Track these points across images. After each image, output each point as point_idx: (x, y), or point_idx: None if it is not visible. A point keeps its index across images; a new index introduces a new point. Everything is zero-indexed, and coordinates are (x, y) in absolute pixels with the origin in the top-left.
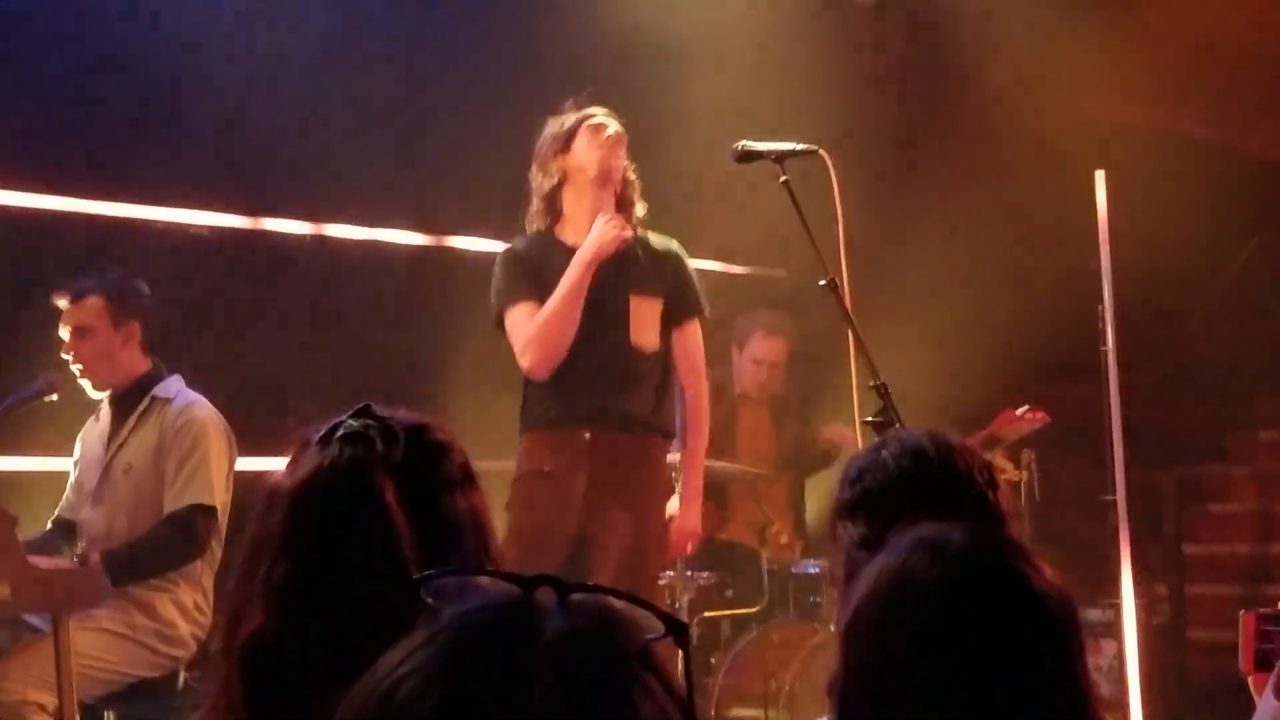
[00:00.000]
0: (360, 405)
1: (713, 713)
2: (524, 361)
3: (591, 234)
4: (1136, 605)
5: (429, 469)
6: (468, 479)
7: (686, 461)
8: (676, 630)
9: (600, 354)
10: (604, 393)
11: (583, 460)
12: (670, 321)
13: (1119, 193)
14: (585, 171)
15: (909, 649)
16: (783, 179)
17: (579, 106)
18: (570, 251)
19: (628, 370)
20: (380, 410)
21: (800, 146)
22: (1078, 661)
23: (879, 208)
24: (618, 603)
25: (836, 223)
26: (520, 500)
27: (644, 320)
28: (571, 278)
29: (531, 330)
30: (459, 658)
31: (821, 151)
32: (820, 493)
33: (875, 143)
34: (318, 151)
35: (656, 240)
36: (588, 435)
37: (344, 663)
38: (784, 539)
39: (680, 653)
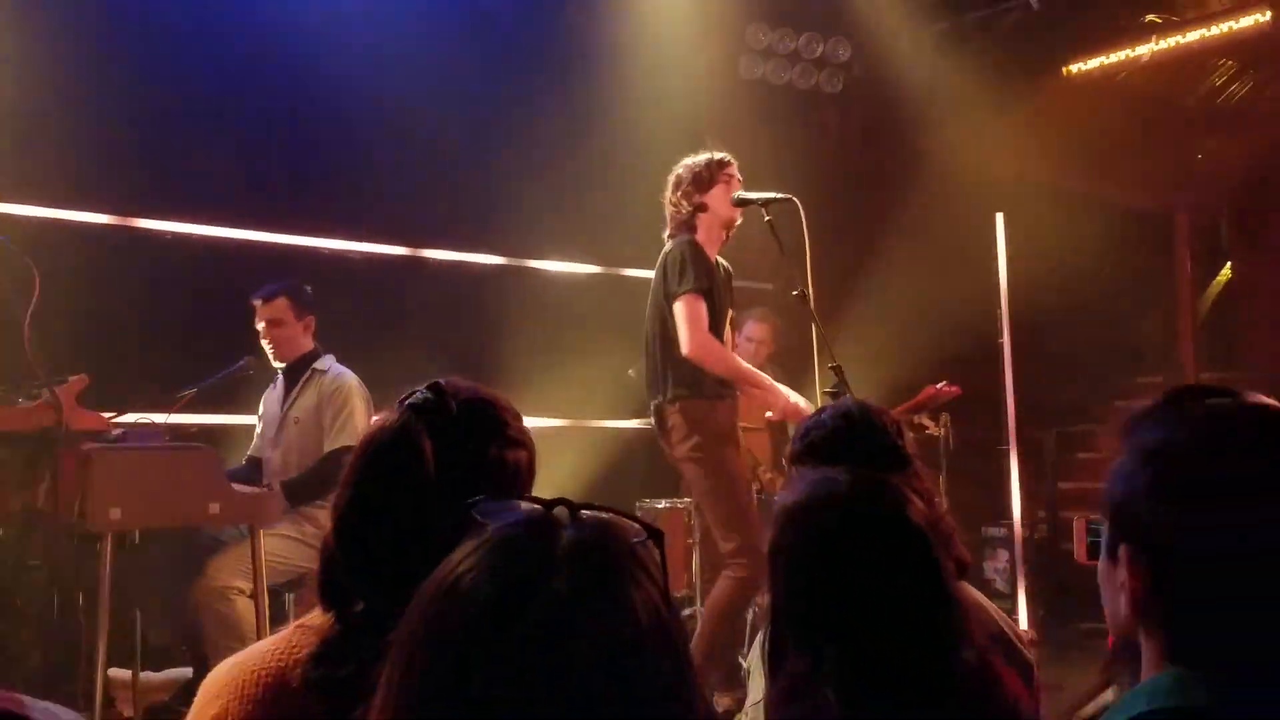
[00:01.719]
0: (434, 380)
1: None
2: (690, 350)
3: (793, 403)
4: (1023, 525)
5: (477, 429)
6: (513, 440)
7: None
8: (655, 535)
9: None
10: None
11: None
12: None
13: (1014, 228)
14: (718, 215)
15: (811, 567)
16: (767, 219)
17: (713, 147)
18: (710, 261)
19: None
20: (449, 384)
21: (780, 196)
22: (940, 573)
23: (837, 239)
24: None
25: (805, 250)
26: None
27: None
28: (756, 384)
29: (714, 345)
30: (502, 557)
31: (795, 199)
32: None
33: (835, 193)
34: (454, 192)
35: (725, 264)
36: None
37: (375, 564)
38: (768, 475)
39: (658, 551)
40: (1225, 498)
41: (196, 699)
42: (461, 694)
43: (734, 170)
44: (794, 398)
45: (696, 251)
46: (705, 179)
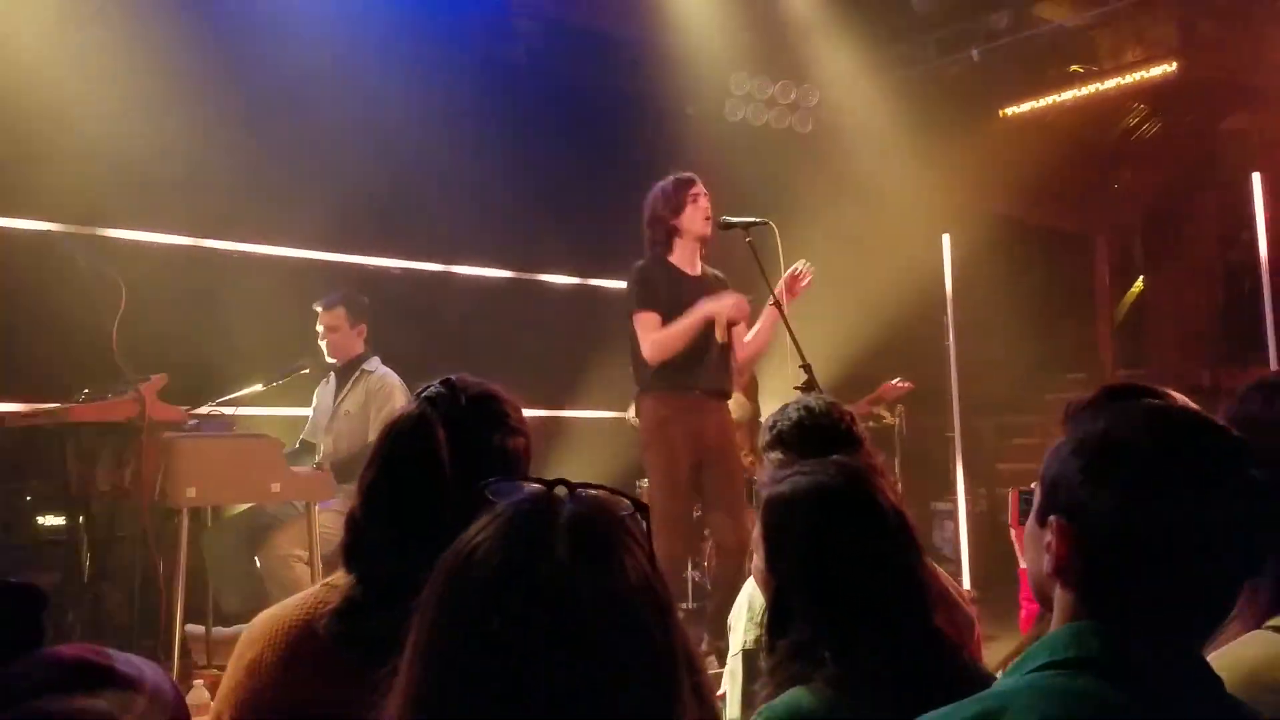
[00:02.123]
0: (445, 377)
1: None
2: (646, 354)
3: (719, 302)
4: (966, 500)
5: (483, 420)
6: (513, 430)
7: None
8: (640, 509)
9: (702, 349)
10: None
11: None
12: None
13: (958, 247)
14: (690, 231)
15: (816, 547)
16: (748, 240)
17: (677, 177)
18: (678, 273)
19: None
20: (459, 380)
21: (758, 220)
22: (916, 547)
23: (807, 257)
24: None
25: (780, 266)
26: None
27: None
28: (691, 321)
29: (656, 338)
30: (512, 529)
31: (771, 223)
32: None
33: (806, 217)
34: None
35: (714, 272)
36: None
37: (395, 532)
38: (749, 459)
39: (644, 522)
40: (1145, 485)
41: (238, 646)
42: (479, 647)
43: (699, 188)
44: (722, 300)
45: (644, 273)
46: (675, 202)
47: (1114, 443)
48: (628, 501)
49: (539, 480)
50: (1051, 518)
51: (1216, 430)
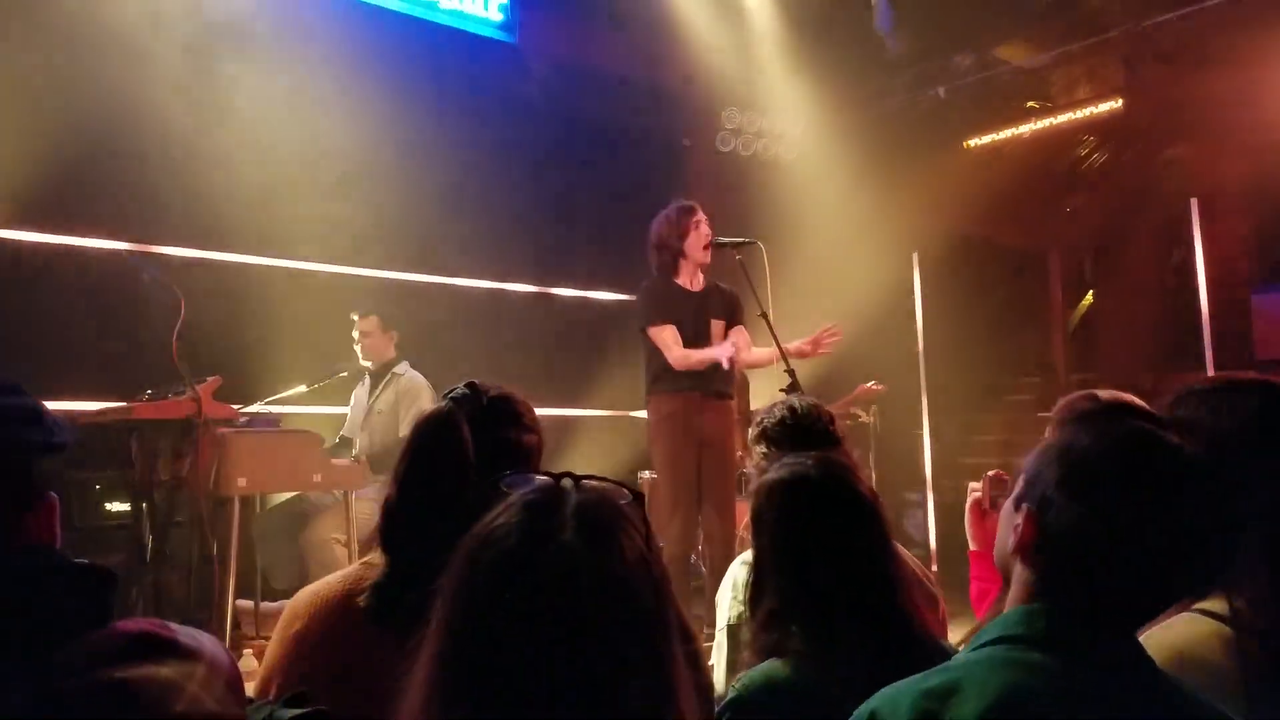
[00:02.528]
0: (469, 380)
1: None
2: (673, 362)
3: (724, 349)
4: (934, 490)
5: (501, 418)
6: (527, 427)
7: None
8: (637, 497)
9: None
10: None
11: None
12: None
13: (926, 263)
14: (692, 257)
15: (788, 529)
16: (738, 258)
17: (680, 205)
18: (683, 291)
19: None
20: (481, 384)
21: (748, 240)
22: (884, 529)
23: (792, 273)
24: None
25: (767, 282)
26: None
27: (717, 334)
28: (705, 358)
29: (677, 355)
30: (524, 516)
31: (759, 243)
32: None
33: (790, 237)
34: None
35: (721, 286)
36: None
37: (425, 517)
38: (739, 453)
39: (642, 510)
40: (1111, 508)
41: (282, 618)
42: (497, 618)
43: (700, 216)
44: (721, 348)
45: (652, 292)
46: (679, 229)
47: (1092, 464)
48: (627, 491)
49: (548, 473)
50: (1025, 505)
51: (1192, 466)
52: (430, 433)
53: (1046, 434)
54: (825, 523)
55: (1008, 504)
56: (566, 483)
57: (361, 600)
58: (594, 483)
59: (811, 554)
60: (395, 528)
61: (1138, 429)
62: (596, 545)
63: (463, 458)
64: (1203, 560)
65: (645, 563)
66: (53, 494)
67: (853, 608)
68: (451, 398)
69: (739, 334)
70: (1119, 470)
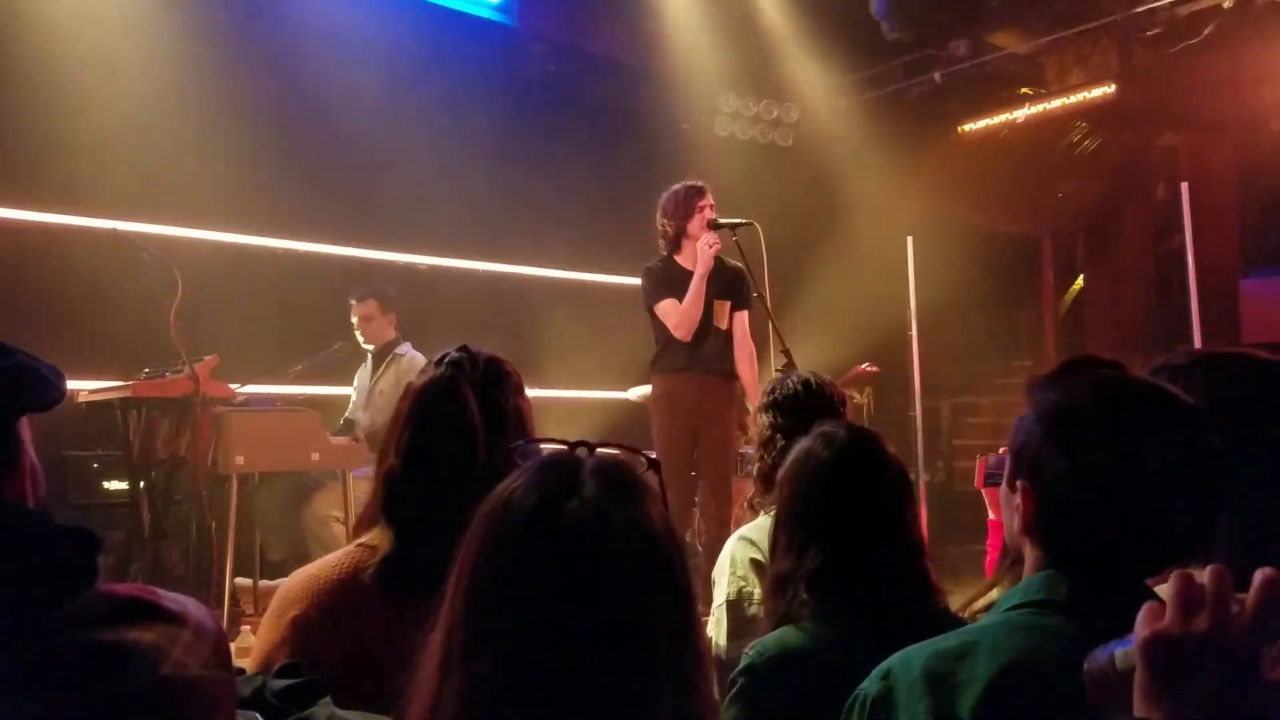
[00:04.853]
0: (460, 344)
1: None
2: (677, 333)
3: (700, 256)
4: (925, 472)
5: (496, 382)
6: (518, 390)
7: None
8: (653, 465)
9: (702, 331)
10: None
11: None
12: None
13: (920, 248)
14: (694, 237)
15: (814, 494)
16: (735, 239)
17: (689, 185)
18: (686, 271)
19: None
20: (472, 348)
21: (745, 221)
22: (908, 500)
23: (787, 255)
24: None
25: (764, 263)
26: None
27: (719, 313)
28: (694, 287)
29: (679, 315)
30: (542, 479)
31: (756, 225)
32: None
33: (786, 220)
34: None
35: (725, 262)
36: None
37: (431, 489)
38: (737, 433)
39: (658, 478)
40: (1093, 447)
41: (275, 603)
42: (520, 578)
43: (707, 199)
44: (701, 252)
45: (654, 272)
46: (686, 209)
47: (1066, 410)
48: (644, 459)
49: (563, 441)
50: (1019, 482)
51: (1164, 396)
52: (435, 400)
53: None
54: (856, 489)
55: (1003, 488)
56: (581, 450)
57: (368, 577)
58: (607, 451)
59: (840, 520)
60: (401, 499)
61: (1107, 374)
62: (620, 498)
63: (470, 424)
64: (1195, 500)
65: (667, 525)
66: (31, 457)
67: (875, 576)
68: (451, 361)
69: (740, 323)
70: (1095, 411)
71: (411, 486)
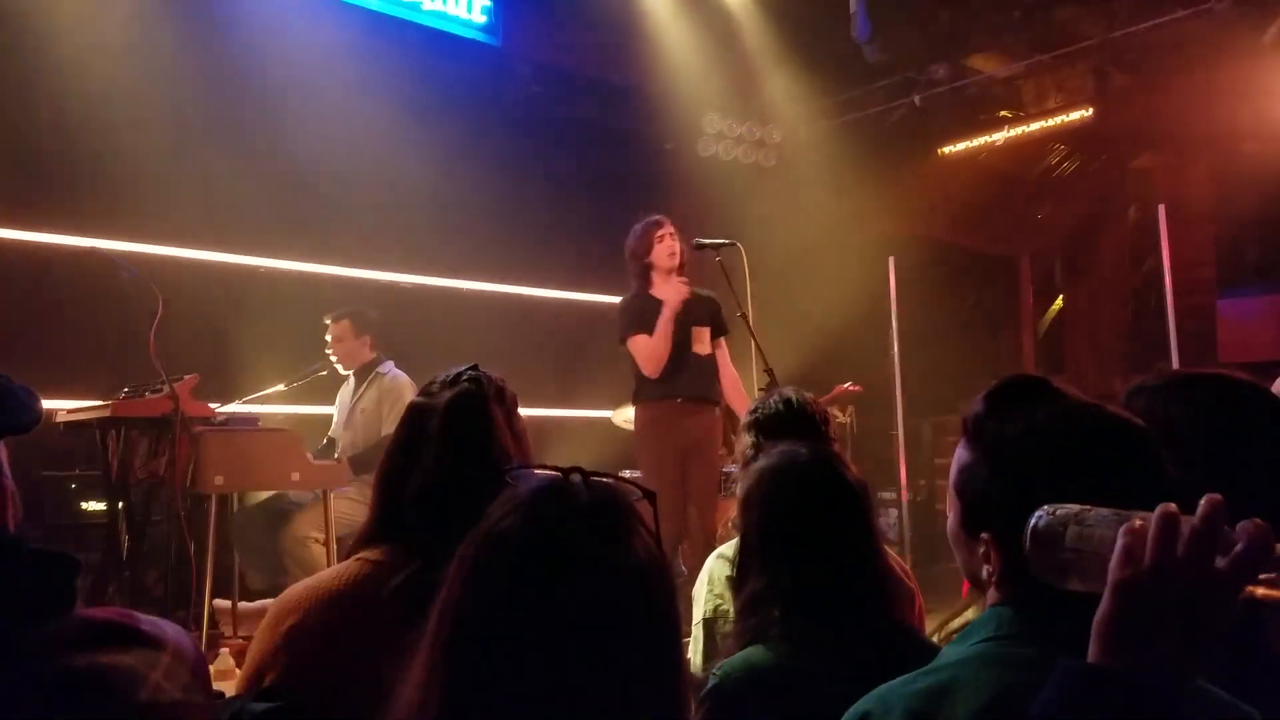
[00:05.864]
0: (471, 365)
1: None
2: (645, 369)
3: (669, 299)
4: (907, 490)
5: (502, 399)
6: (515, 411)
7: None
8: (649, 496)
9: (680, 360)
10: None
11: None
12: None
13: (902, 268)
14: (660, 267)
15: (777, 513)
16: (718, 259)
17: (647, 220)
18: (658, 303)
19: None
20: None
21: (728, 241)
22: (870, 518)
23: (770, 275)
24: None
25: (747, 283)
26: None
27: (699, 340)
28: (661, 325)
29: (645, 352)
30: (533, 508)
31: (739, 245)
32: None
33: (769, 239)
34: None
35: (701, 292)
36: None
37: (458, 508)
38: (722, 452)
39: (652, 508)
40: (1067, 495)
41: (271, 613)
42: (508, 613)
43: (666, 228)
44: (668, 296)
45: (628, 306)
46: (645, 243)
47: (1018, 455)
48: (636, 489)
49: (555, 468)
50: (983, 535)
51: (1114, 425)
52: (465, 418)
53: (956, 454)
54: (813, 509)
55: (956, 529)
56: (574, 477)
57: (375, 589)
58: (600, 480)
59: (799, 538)
60: (403, 515)
61: (1054, 409)
62: (609, 542)
63: (497, 442)
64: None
65: (654, 558)
66: (8, 480)
67: (836, 594)
68: (472, 379)
69: (722, 351)
70: (1056, 457)
71: (438, 505)
